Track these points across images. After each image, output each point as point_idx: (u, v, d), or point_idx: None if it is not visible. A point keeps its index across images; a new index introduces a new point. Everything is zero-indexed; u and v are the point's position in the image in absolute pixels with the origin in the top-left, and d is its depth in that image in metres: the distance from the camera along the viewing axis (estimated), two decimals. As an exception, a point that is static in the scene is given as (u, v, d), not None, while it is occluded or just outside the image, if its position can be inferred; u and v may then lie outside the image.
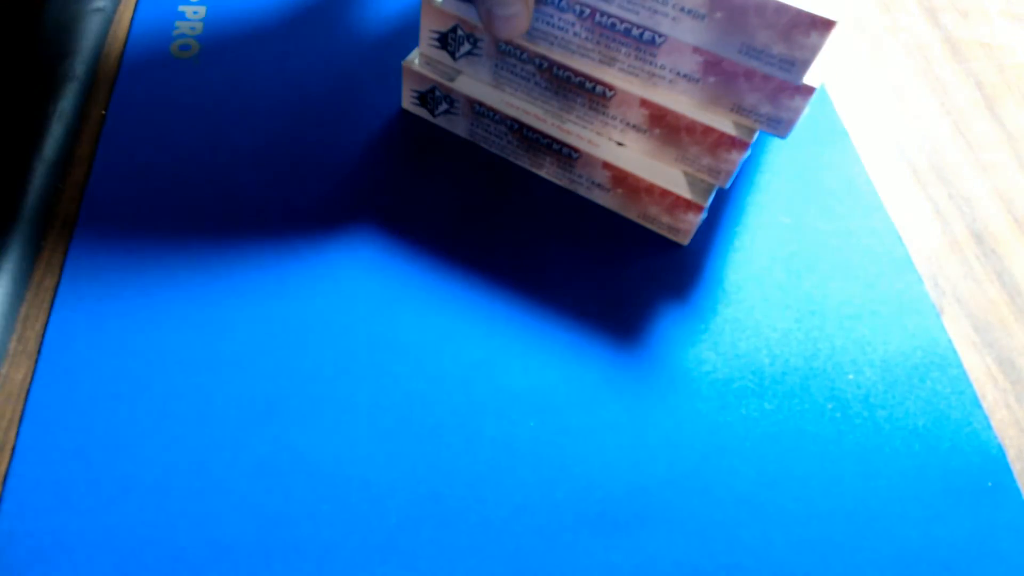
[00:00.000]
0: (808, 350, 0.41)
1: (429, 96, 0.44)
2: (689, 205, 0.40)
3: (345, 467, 0.35)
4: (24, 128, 0.42)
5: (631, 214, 0.43)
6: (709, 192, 0.40)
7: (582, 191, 0.44)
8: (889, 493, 0.37)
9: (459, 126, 0.45)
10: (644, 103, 0.39)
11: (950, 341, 0.42)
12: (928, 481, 0.37)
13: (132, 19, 0.49)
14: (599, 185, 0.42)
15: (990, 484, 0.38)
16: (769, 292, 0.43)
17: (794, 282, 0.43)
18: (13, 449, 0.34)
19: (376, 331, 0.39)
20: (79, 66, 0.45)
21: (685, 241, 0.43)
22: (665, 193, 0.41)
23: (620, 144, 0.41)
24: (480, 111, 0.42)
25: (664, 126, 0.40)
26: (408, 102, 0.45)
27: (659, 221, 0.42)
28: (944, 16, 0.58)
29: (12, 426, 0.35)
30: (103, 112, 0.45)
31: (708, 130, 0.39)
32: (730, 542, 0.35)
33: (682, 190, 0.40)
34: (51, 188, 0.41)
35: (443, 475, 0.35)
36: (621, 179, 0.41)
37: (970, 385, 0.41)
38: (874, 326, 0.42)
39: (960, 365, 0.41)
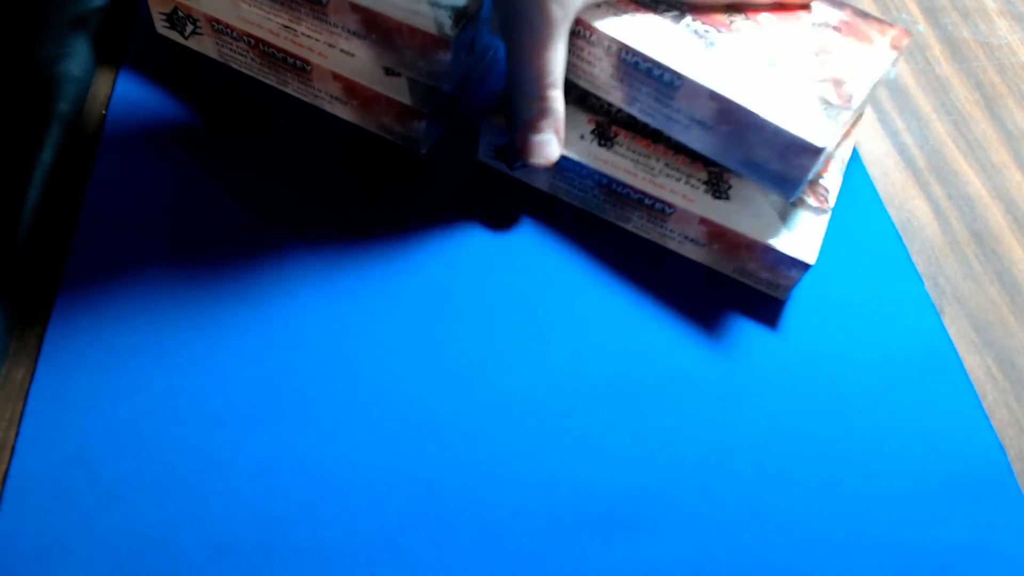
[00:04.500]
0: (807, 351, 0.41)
1: (508, 150, 0.44)
2: (794, 262, 0.40)
3: (345, 467, 0.35)
4: (22, 134, 0.42)
5: (726, 269, 0.42)
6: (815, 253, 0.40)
7: (672, 245, 0.43)
8: (889, 493, 0.37)
9: (539, 179, 0.44)
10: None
11: (950, 341, 0.42)
12: (928, 481, 0.37)
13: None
14: (692, 240, 0.42)
15: (990, 484, 0.38)
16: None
17: (794, 282, 0.43)
18: (13, 449, 0.34)
19: (376, 331, 0.39)
20: (76, 68, 0.45)
21: (783, 296, 0.42)
22: (767, 249, 0.40)
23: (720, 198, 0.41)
24: (565, 166, 0.42)
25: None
26: (484, 154, 0.45)
27: (757, 277, 0.42)
28: (944, 16, 0.58)
29: (12, 426, 0.35)
30: (103, 113, 0.45)
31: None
32: (730, 542, 0.35)
33: (787, 248, 0.40)
34: (51, 191, 0.41)
35: (443, 475, 0.36)
36: (719, 235, 0.41)
37: (970, 385, 0.41)
38: (874, 326, 0.42)
39: (960, 365, 0.41)
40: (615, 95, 0.41)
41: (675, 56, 0.38)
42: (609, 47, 0.39)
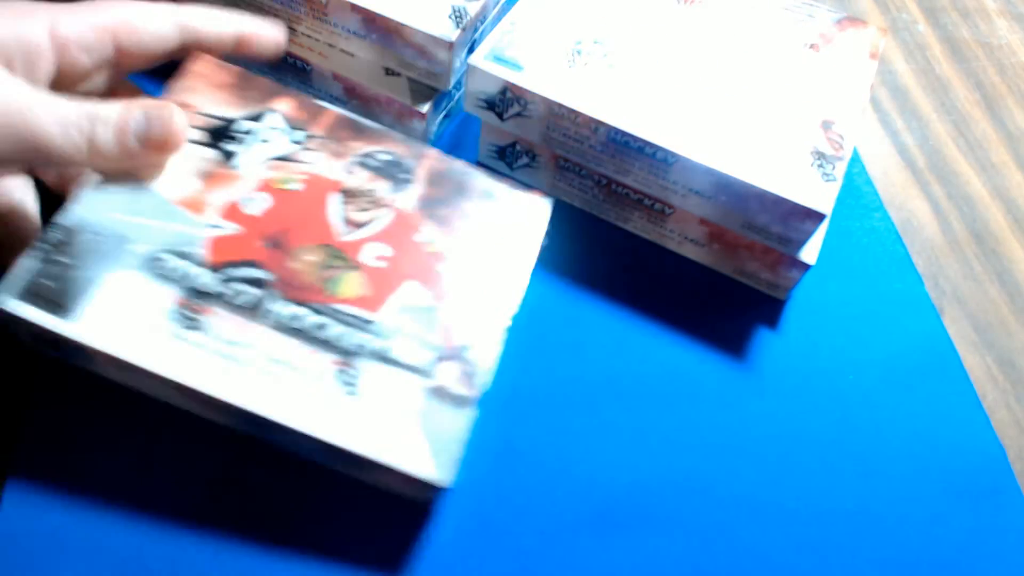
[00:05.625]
0: (807, 351, 0.41)
1: (509, 150, 0.44)
2: (794, 262, 0.39)
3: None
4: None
5: (726, 269, 0.42)
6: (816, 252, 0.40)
7: (672, 245, 0.43)
8: (889, 493, 0.37)
9: (540, 179, 0.44)
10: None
11: (950, 341, 0.42)
12: (928, 481, 0.37)
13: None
14: (692, 240, 0.42)
15: (990, 484, 0.38)
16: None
17: (794, 282, 0.43)
18: (13, 449, 0.34)
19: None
20: None
21: (783, 296, 0.42)
22: (768, 250, 0.40)
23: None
24: (565, 165, 0.42)
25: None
26: (484, 154, 0.45)
27: (757, 277, 0.42)
28: (944, 16, 0.58)
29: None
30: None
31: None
32: (730, 541, 0.35)
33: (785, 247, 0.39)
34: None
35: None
36: (718, 235, 0.41)
37: (970, 385, 0.41)
38: (874, 326, 0.42)
39: (960, 365, 0.41)
40: (607, 167, 0.40)
41: (667, 132, 0.38)
42: (597, 129, 0.39)
